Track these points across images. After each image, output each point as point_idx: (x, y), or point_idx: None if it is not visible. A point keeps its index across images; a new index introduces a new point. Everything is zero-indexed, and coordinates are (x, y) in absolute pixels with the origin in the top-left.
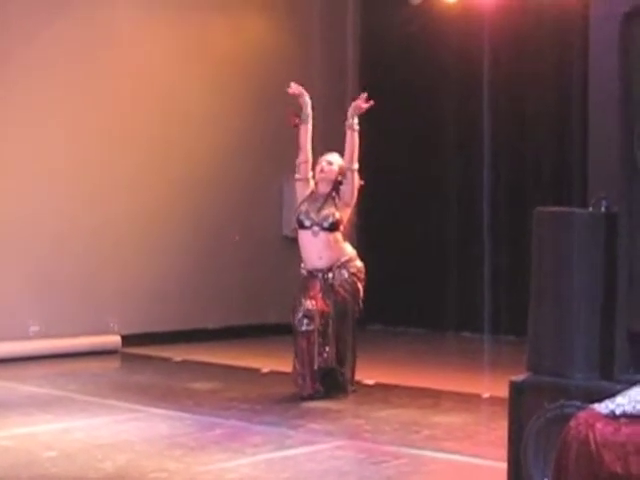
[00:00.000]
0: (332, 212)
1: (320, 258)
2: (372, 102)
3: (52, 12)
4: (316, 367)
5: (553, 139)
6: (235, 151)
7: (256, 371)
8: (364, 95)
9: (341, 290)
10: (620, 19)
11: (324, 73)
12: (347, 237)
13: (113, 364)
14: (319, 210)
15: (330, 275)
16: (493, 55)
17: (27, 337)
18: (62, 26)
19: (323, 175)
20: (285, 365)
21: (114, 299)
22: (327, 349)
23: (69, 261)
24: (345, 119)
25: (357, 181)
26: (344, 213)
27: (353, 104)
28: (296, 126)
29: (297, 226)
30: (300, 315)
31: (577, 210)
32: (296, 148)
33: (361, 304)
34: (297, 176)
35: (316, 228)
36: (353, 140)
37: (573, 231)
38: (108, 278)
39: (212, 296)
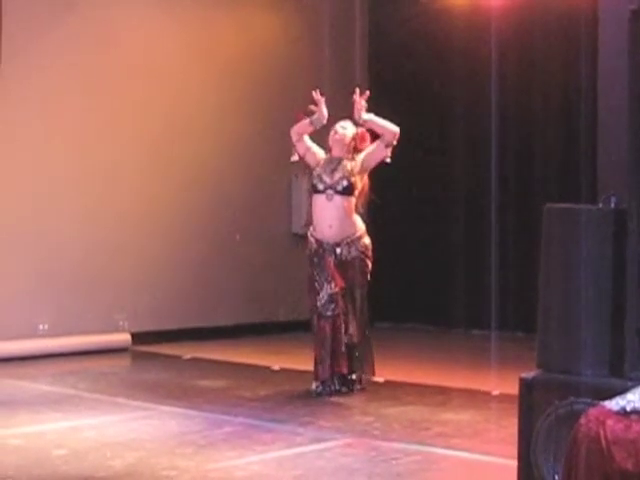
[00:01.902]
0: (346, 175)
1: (330, 227)
2: (367, 92)
3: (56, 12)
4: (343, 349)
5: (562, 136)
6: (243, 150)
7: (266, 369)
8: (357, 92)
9: (351, 269)
10: (628, 16)
11: (332, 70)
12: (362, 206)
13: (123, 362)
14: (332, 172)
15: (339, 250)
16: (501, 51)
17: (36, 335)
18: (66, 26)
19: (337, 137)
20: (295, 362)
21: (123, 297)
22: (350, 327)
23: (78, 259)
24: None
25: (387, 155)
26: (361, 177)
27: (355, 107)
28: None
29: (312, 191)
30: (324, 300)
31: (586, 207)
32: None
33: (367, 281)
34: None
35: (330, 192)
36: (379, 125)
37: (582, 227)
38: (117, 276)
39: (222, 294)
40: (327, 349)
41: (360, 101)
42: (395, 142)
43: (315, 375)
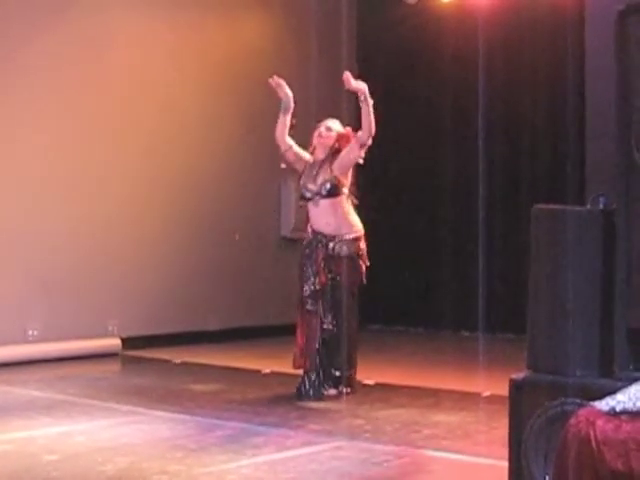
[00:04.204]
0: (328, 178)
1: (328, 224)
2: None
3: (49, 14)
4: (317, 345)
5: (550, 136)
6: (233, 153)
7: (256, 372)
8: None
9: (341, 265)
10: (615, 17)
11: (320, 73)
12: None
13: (113, 367)
14: (315, 178)
15: (331, 245)
16: (488, 54)
17: (26, 341)
18: (57, 29)
19: (321, 140)
20: (285, 366)
21: (113, 302)
22: (330, 319)
23: (68, 264)
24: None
25: (361, 155)
26: (344, 175)
27: (353, 87)
28: (293, 127)
29: (303, 201)
30: (307, 294)
31: (574, 208)
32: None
33: (360, 282)
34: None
35: (316, 197)
36: (368, 115)
37: (570, 228)
38: (107, 281)
39: (211, 298)
40: (305, 341)
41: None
42: (369, 143)
43: (295, 363)
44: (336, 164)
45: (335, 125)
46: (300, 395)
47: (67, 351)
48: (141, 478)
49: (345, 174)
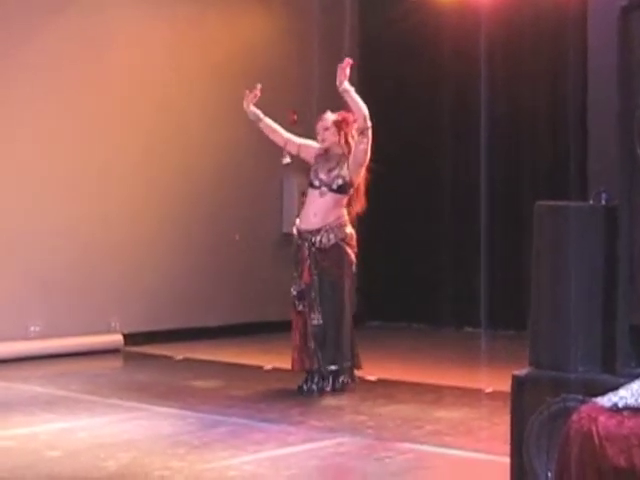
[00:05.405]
0: (342, 174)
1: (315, 215)
2: (350, 61)
3: (48, 14)
4: (313, 344)
5: (552, 132)
6: (234, 149)
7: (258, 368)
8: (346, 61)
9: (329, 257)
10: (618, 13)
11: (322, 70)
12: (361, 200)
13: (115, 363)
14: (330, 171)
15: (318, 238)
16: (490, 50)
17: (28, 337)
18: (56, 27)
19: (327, 144)
20: (287, 362)
21: (115, 298)
22: (317, 315)
23: (70, 260)
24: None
25: (367, 141)
26: (357, 173)
27: (338, 74)
28: (295, 123)
29: (307, 184)
30: (295, 294)
31: (577, 203)
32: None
33: (352, 271)
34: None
35: (324, 189)
36: (354, 101)
37: (573, 224)
38: (109, 277)
39: (213, 294)
40: (297, 342)
41: (345, 69)
42: (369, 124)
43: (294, 365)
44: (351, 159)
45: (329, 121)
46: (302, 393)
47: (69, 347)
48: (143, 474)
49: (359, 169)
